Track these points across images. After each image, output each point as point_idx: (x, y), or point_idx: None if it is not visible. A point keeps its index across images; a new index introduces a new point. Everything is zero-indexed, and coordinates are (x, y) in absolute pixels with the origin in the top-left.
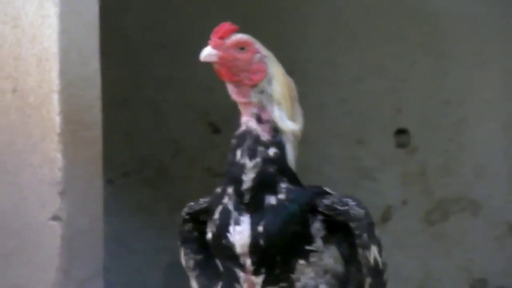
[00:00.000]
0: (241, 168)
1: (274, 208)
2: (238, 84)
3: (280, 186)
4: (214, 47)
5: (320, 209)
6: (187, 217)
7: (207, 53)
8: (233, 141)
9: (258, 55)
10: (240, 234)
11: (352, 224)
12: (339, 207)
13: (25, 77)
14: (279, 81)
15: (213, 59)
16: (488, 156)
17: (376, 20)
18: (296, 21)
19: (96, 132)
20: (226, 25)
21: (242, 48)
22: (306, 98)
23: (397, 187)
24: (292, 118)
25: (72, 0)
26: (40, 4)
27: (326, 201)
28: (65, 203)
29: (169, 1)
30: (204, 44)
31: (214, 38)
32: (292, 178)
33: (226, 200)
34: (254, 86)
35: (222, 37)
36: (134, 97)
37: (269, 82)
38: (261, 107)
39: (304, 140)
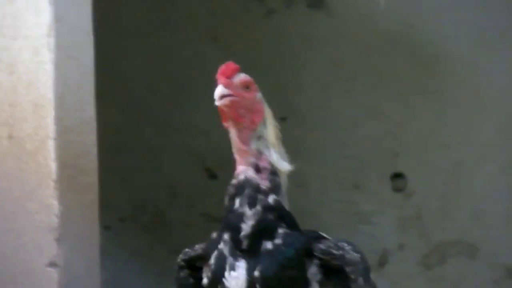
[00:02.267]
0: (240, 216)
1: (271, 253)
2: (241, 127)
3: (278, 232)
4: (226, 86)
5: (316, 253)
6: (183, 263)
7: (221, 92)
8: (231, 190)
9: (259, 94)
10: (236, 279)
11: (347, 269)
12: (334, 252)
13: (21, 124)
14: (271, 123)
15: (228, 100)
16: (485, 199)
17: (373, 62)
18: (292, 64)
19: (92, 177)
20: (231, 65)
21: (247, 87)
22: (303, 141)
23: (394, 231)
24: (283, 159)
25: (67, 46)
26: (35, 50)
27: (322, 246)
28: (61, 249)
29: (166, 45)
30: (201, 89)
31: (222, 78)
32: (291, 223)
33: (221, 245)
34: (254, 129)
35: (229, 77)
36: (130, 142)
37: (265, 124)
38: (258, 154)
39: (300, 184)
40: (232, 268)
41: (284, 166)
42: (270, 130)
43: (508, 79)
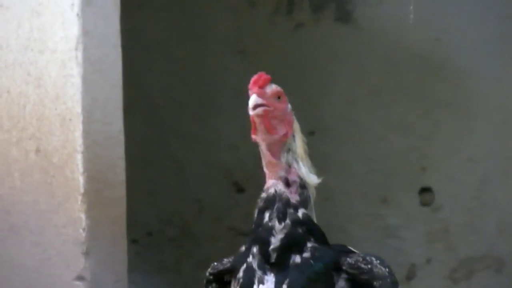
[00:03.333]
0: (270, 230)
1: (299, 267)
2: (272, 139)
3: (307, 246)
4: (259, 96)
5: (344, 267)
6: (210, 277)
7: (255, 102)
8: (261, 203)
9: (289, 105)
10: None
11: (375, 283)
12: (363, 266)
13: (48, 137)
14: (299, 135)
15: (262, 110)
16: None
17: (400, 77)
18: (319, 79)
19: (120, 191)
20: (263, 75)
21: (279, 98)
22: (330, 156)
23: (421, 245)
24: (311, 171)
25: (95, 59)
26: (63, 64)
27: (350, 260)
28: (89, 263)
29: (193, 59)
30: (228, 103)
31: (255, 88)
32: (319, 237)
33: (250, 259)
34: (285, 142)
35: (262, 87)
36: (158, 156)
37: (294, 136)
38: (288, 168)
39: (328, 198)
40: (261, 282)
41: (312, 179)
42: (299, 142)
43: None
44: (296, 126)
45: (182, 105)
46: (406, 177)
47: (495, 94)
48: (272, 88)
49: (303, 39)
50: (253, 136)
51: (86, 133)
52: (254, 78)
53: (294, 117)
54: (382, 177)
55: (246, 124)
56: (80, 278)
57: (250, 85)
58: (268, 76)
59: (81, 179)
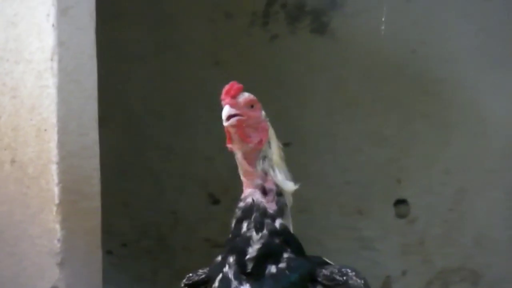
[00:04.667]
0: (247, 240)
1: (275, 277)
2: (247, 148)
3: (283, 256)
4: (232, 106)
5: (319, 279)
6: None
7: (228, 113)
8: (239, 213)
9: (263, 112)
10: None
11: None
12: (338, 278)
13: (23, 148)
14: (275, 142)
15: (235, 120)
16: (488, 225)
17: (376, 88)
18: (295, 90)
19: (95, 202)
20: (235, 84)
21: (252, 106)
22: (306, 167)
23: (397, 257)
24: (287, 178)
25: (70, 70)
26: (39, 74)
27: (326, 271)
28: (64, 274)
29: (169, 70)
30: (204, 114)
31: (227, 98)
32: (296, 247)
33: (226, 269)
34: (260, 149)
35: (234, 96)
36: (133, 167)
37: (269, 143)
38: (264, 176)
39: (304, 210)
40: None
41: (289, 186)
42: (275, 149)
43: (511, 105)
44: (271, 132)
45: (158, 116)
46: (382, 189)
47: (473, 105)
48: (245, 96)
49: (280, 51)
50: (229, 145)
51: (62, 144)
52: (226, 88)
53: (269, 124)
54: (358, 189)
55: (222, 136)
56: None
57: (222, 96)
58: (240, 85)
59: (56, 190)
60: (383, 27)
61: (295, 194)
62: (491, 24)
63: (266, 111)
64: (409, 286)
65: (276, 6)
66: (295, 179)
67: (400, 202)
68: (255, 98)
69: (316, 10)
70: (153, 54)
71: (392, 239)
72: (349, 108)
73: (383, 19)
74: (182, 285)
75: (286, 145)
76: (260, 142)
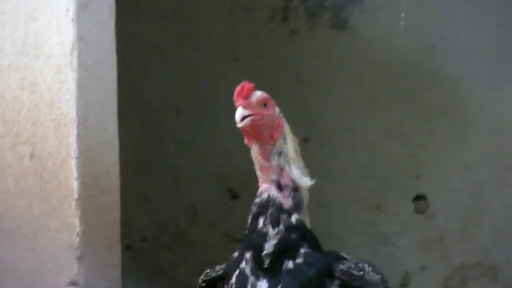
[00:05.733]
0: (263, 236)
1: (292, 273)
2: (262, 143)
3: (300, 251)
4: (245, 107)
5: (336, 274)
6: (203, 284)
7: (242, 114)
8: (254, 208)
9: (277, 109)
10: None
11: None
12: (355, 272)
13: (43, 143)
14: (290, 137)
15: (249, 121)
16: (507, 221)
17: (395, 84)
18: (314, 85)
19: (114, 197)
20: (246, 84)
21: (265, 104)
22: (325, 163)
23: (416, 252)
24: (304, 173)
25: (90, 65)
26: (58, 69)
27: (343, 266)
28: (82, 269)
29: (188, 65)
30: (222, 109)
31: (240, 99)
32: (312, 242)
33: (243, 265)
34: (274, 144)
35: (246, 97)
36: (152, 161)
37: (284, 139)
38: (280, 171)
39: (323, 205)
40: (254, 287)
41: (305, 181)
42: (290, 145)
43: None
44: (287, 128)
45: (177, 111)
46: (401, 185)
47: (491, 102)
48: (257, 96)
49: (299, 46)
50: (246, 141)
51: (81, 139)
52: (237, 89)
53: (284, 120)
54: (377, 184)
55: (240, 130)
56: (73, 283)
57: (235, 97)
58: (252, 85)
59: (75, 185)
60: (402, 23)
61: (313, 189)
62: (509, 19)
63: (284, 107)
64: (427, 281)
65: (295, 2)
66: (313, 175)
67: (419, 197)
68: (268, 96)
69: (336, 5)
70: (171, 48)
71: (411, 235)
72: (367, 103)
73: (402, 15)
74: (200, 281)
75: (304, 140)
76: (273, 138)
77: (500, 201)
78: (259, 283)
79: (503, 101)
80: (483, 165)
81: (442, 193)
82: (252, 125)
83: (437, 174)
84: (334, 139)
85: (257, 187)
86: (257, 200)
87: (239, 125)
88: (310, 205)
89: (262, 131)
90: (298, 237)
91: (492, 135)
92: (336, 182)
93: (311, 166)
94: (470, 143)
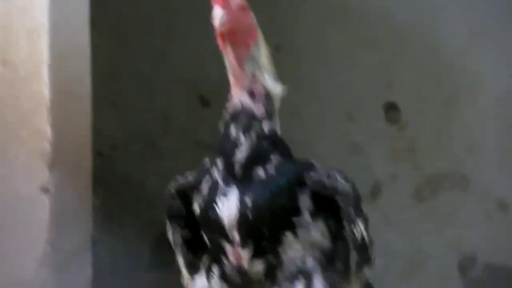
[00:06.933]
0: (235, 143)
1: (263, 181)
2: (237, 50)
3: (271, 160)
4: (223, 8)
5: (307, 183)
6: (174, 192)
7: (220, 15)
8: (227, 116)
9: (253, 16)
10: (228, 207)
11: (338, 198)
12: (326, 182)
13: (15, 49)
14: (264, 45)
15: (226, 23)
16: (479, 132)
17: None
18: None
19: (85, 104)
20: None
21: (242, 10)
22: (296, 72)
23: (387, 162)
24: (275, 81)
25: None
26: None
27: (314, 176)
28: (54, 176)
29: None
30: (194, 17)
31: (219, 1)
32: (284, 151)
33: (215, 173)
34: (249, 50)
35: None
36: (124, 69)
37: (258, 46)
38: (253, 78)
39: (294, 114)
40: (224, 195)
41: (277, 89)
42: (263, 52)
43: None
44: (260, 36)
45: (148, 18)
46: (373, 94)
47: (464, 15)
48: (236, 0)
49: None
50: (219, 47)
51: (53, 46)
52: None
53: (258, 28)
54: (348, 94)
55: (213, 38)
56: (44, 190)
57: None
58: None
59: (47, 92)
60: None
61: (284, 98)
62: None
63: (257, 13)
64: (398, 191)
65: None
66: (284, 84)
67: (390, 107)
68: (246, 2)
69: None
70: None
71: (382, 144)
72: (340, 12)
73: None
74: (171, 189)
75: (276, 48)
76: (248, 44)
77: (473, 111)
78: (230, 191)
79: (476, 14)
80: (455, 75)
81: (414, 103)
82: (230, 29)
83: (409, 83)
84: (306, 47)
85: (228, 95)
86: (229, 107)
87: (217, 26)
88: (281, 115)
89: (238, 37)
90: (269, 145)
91: (465, 43)
92: (307, 91)
93: (282, 75)
94: (443, 52)
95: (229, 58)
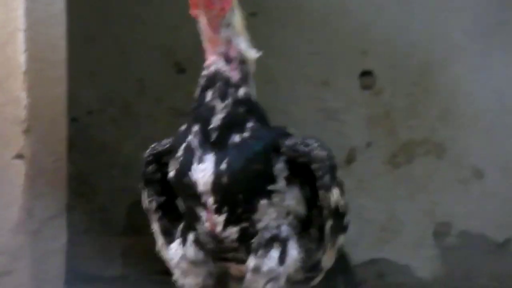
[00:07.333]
0: (211, 109)
1: (238, 146)
2: (211, 14)
3: (247, 126)
4: None
5: (283, 149)
6: (150, 158)
7: None
8: (202, 82)
9: None
10: (203, 171)
11: (314, 165)
12: (301, 148)
13: None
14: (238, 11)
15: None
16: (453, 99)
17: None
18: None
19: (61, 70)
20: None
21: None
22: (272, 38)
23: (362, 128)
24: (250, 46)
25: None
26: None
27: (289, 142)
28: (29, 142)
29: None
30: None
31: None
32: (260, 117)
33: (190, 138)
34: (224, 16)
35: None
36: (99, 35)
37: (233, 11)
38: (228, 43)
39: (270, 81)
40: (200, 160)
41: (252, 53)
42: (238, 17)
43: None
44: (235, 1)
45: None
46: (348, 60)
47: None
48: None
49: None
50: (193, 12)
51: (29, 11)
52: None
53: None
54: (323, 60)
55: (188, 4)
56: (19, 156)
57: None
58: None
59: (22, 58)
60: None
61: (260, 65)
62: None
63: None
64: (373, 158)
65: None
66: (260, 50)
67: (365, 73)
68: None
69: None
70: None
71: (357, 111)
72: None
73: None
74: (147, 154)
75: (251, 14)
76: (223, 8)
77: (447, 78)
78: (206, 156)
79: None
80: (430, 43)
81: (389, 70)
82: None
83: (384, 50)
84: (281, 14)
85: (203, 62)
86: (205, 73)
87: None
88: (258, 81)
89: (213, 2)
90: (245, 111)
91: (439, 12)
92: (283, 57)
93: (258, 41)
94: (417, 20)
95: (203, 25)
